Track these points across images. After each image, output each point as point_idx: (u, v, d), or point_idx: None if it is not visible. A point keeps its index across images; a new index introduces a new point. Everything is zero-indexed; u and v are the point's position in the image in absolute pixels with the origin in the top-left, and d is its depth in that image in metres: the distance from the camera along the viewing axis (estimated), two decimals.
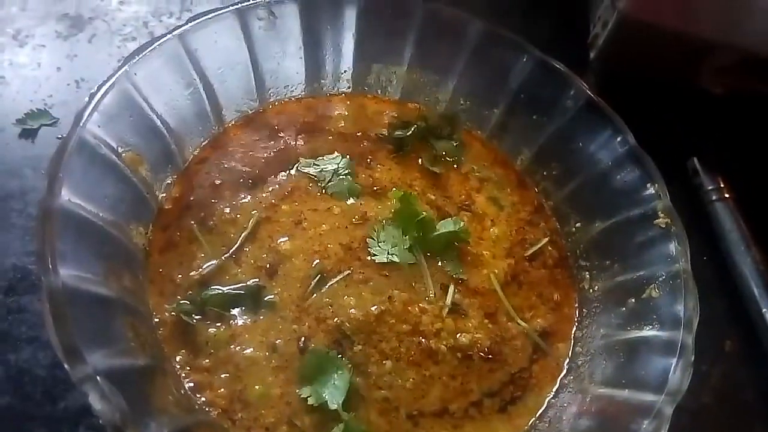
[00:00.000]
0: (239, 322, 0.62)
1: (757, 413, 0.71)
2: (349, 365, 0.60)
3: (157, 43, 0.65)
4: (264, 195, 0.70)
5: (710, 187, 0.83)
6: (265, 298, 0.64)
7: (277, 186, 0.72)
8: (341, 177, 0.73)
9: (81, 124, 0.58)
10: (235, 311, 0.63)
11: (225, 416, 0.58)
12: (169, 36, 0.66)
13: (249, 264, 0.66)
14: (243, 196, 0.70)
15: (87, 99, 0.60)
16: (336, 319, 0.63)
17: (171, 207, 0.68)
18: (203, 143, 0.73)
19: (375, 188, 0.73)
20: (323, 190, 0.72)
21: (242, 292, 0.64)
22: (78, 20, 0.93)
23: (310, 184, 0.72)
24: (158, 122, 0.66)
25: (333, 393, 0.58)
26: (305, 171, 0.73)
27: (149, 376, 0.54)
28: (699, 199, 0.83)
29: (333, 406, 0.58)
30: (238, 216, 0.68)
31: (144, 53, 0.64)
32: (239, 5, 0.71)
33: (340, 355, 0.61)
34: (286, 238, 0.67)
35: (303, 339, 0.62)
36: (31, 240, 0.73)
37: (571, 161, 0.74)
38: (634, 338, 0.62)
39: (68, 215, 0.54)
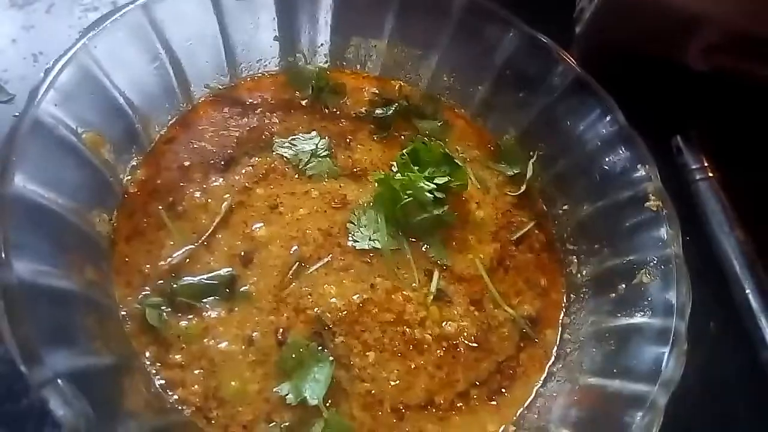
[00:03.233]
0: (212, 315, 0.59)
1: (741, 394, 0.70)
2: (331, 358, 0.58)
3: (119, 13, 0.60)
4: (237, 177, 0.67)
5: (694, 167, 0.81)
6: (240, 289, 0.61)
7: (250, 168, 0.68)
8: (319, 158, 0.69)
9: (36, 103, 0.53)
10: (207, 302, 0.59)
11: (200, 414, 0.55)
12: (131, 6, 0.61)
13: (222, 252, 0.62)
14: (214, 178, 0.66)
15: (42, 75, 0.55)
16: (316, 309, 0.60)
17: (136, 191, 0.63)
18: (170, 122, 0.68)
19: (355, 169, 0.70)
20: (300, 173, 0.68)
21: (215, 282, 0.60)
22: None
23: (287, 166, 0.68)
24: (121, 100, 0.61)
25: (313, 387, 0.56)
26: (281, 152, 0.69)
27: (116, 376, 0.50)
28: (682, 178, 0.81)
29: (313, 402, 0.55)
30: (210, 200, 0.64)
31: (104, 24, 0.59)
32: None
33: (320, 347, 0.58)
34: (262, 224, 0.64)
35: (281, 331, 0.59)
36: None
37: (559, 141, 0.72)
38: (625, 325, 0.60)
39: (23, 202, 0.49)
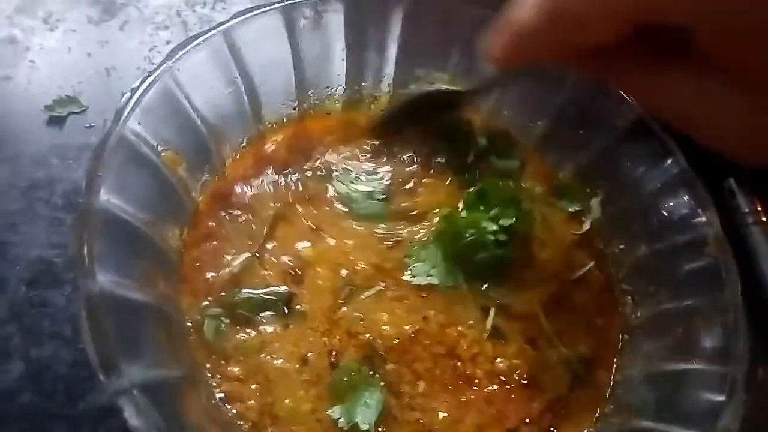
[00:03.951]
0: (269, 330, 0.60)
1: None
2: (382, 383, 0.58)
3: (202, 38, 0.62)
4: (283, 190, 0.69)
5: (746, 210, 0.80)
6: (296, 307, 0.62)
7: (299, 184, 0.70)
8: (373, 201, 0.70)
9: (122, 120, 0.55)
10: (265, 317, 0.61)
11: (255, 430, 0.56)
12: (213, 32, 0.63)
13: (274, 265, 0.64)
14: (265, 185, 0.69)
15: (129, 94, 0.57)
16: (368, 334, 0.61)
17: (205, 208, 0.65)
18: (242, 144, 0.70)
19: (412, 212, 0.70)
20: (350, 209, 0.69)
21: (273, 297, 0.62)
22: (110, 6, 0.91)
23: (337, 202, 0.69)
24: (198, 121, 0.64)
25: (365, 412, 0.56)
26: (336, 186, 0.70)
27: (183, 388, 0.52)
28: (734, 221, 0.80)
29: (365, 427, 0.56)
30: (259, 206, 0.67)
31: (188, 48, 0.61)
32: (285, 2, 0.68)
33: (372, 373, 0.59)
34: (308, 244, 0.65)
35: (334, 353, 0.60)
36: (56, 232, 0.71)
37: (617, 181, 0.72)
38: (681, 370, 0.60)
39: (107, 216, 0.51)
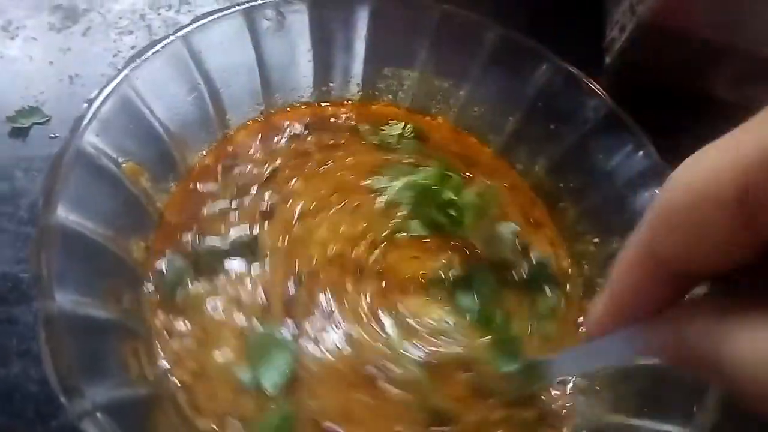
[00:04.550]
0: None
1: None
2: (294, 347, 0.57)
3: (161, 45, 0.61)
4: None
5: None
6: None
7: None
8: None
9: (79, 133, 0.54)
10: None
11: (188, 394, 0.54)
12: (172, 37, 0.62)
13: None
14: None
15: (85, 105, 0.56)
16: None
17: (172, 218, 0.64)
18: (206, 150, 0.69)
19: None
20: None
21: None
22: (72, 12, 0.88)
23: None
24: (160, 129, 0.62)
25: (272, 374, 0.55)
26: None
27: (150, 406, 0.50)
28: None
29: (270, 390, 0.54)
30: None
31: (146, 55, 0.60)
32: (246, 5, 0.67)
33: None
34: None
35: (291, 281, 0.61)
36: (22, 247, 0.69)
37: (590, 175, 0.71)
38: (658, 364, 0.59)
39: (65, 232, 0.50)
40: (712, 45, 0.81)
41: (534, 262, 0.69)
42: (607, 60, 0.89)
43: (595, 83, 0.71)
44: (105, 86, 0.57)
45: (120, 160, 0.58)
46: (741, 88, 0.88)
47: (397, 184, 0.68)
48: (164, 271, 0.59)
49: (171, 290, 0.58)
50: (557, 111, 0.73)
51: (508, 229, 0.69)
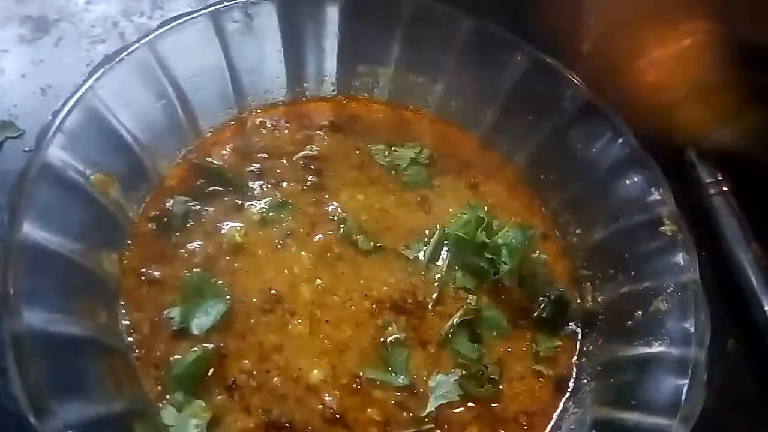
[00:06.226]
0: None
1: (762, 414, 0.69)
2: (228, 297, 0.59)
3: (125, 53, 0.60)
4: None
5: (708, 181, 0.79)
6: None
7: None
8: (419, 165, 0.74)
9: (43, 147, 0.53)
10: None
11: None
12: (137, 44, 0.61)
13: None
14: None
15: (50, 118, 0.55)
16: None
17: (145, 228, 0.63)
18: (178, 157, 0.68)
19: None
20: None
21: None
22: (43, 22, 0.87)
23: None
24: (129, 139, 0.61)
25: (201, 318, 0.57)
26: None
27: (127, 422, 0.49)
28: (696, 192, 0.79)
29: (195, 331, 0.56)
30: None
31: (111, 65, 0.59)
32: (212, 7, 0.66)
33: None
34: None
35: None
36: None
37: (570, 165, 0.71)
38: (642, 355, 0.59)
39: (32, 249, 0.49)
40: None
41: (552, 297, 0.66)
42: (584, 49, 0.88)
43: (571, 72, 0.71)
44: (69, 98, 0.56)
45: (88, 172, 0.57)
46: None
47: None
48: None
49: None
50: (534, 102, 0.72)
51: (539, 261, 0.68)
